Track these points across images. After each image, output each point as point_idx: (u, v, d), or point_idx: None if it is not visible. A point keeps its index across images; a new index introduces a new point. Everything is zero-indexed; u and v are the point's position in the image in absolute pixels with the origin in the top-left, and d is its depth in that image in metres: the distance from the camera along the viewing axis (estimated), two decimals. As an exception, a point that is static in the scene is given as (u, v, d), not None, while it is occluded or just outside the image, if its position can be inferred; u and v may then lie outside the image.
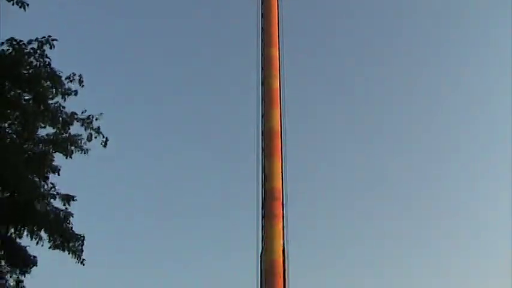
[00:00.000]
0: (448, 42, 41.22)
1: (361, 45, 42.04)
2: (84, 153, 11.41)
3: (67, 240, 10.77)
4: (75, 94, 11.33)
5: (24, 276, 10.91)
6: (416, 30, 43.01)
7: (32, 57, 10.72)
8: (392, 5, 42.70)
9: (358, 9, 41.75)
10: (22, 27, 12.32)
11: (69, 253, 10.82)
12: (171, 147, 39.59)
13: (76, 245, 10.84)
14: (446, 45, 41.22)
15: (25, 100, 10.91)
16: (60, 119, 11.11)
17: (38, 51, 10.77)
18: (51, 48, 10.92)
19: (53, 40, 10.81)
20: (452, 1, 41.03)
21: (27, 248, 10.95)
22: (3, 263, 10.83)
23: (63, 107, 11.25)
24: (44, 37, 10.77)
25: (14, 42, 10.53)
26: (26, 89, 10.81)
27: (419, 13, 41.26)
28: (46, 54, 10.85)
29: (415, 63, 42.51)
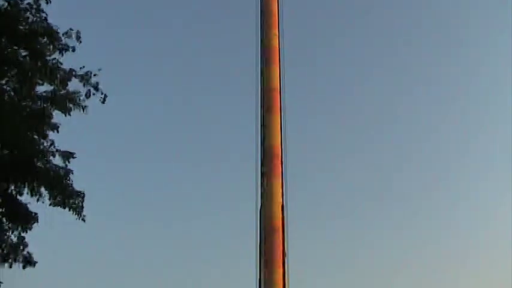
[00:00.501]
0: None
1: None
2: (83, 111, 11.35)
3: (67, 197, 10.80)
4: (73, 50, 11.22)
5: (26, 232, 10.97)
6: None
7: (28, 13, 10.58)
8: None
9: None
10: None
11: (69, 210, 10.88)
12: (170, 102, 39.53)
13: (76, 202, 10.88)
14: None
15: (22, 57, 10.80)
16: (58, 75, 11.01)
17: (34, 7, 10.62)
18: (47, 3, 10.76)
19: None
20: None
21: (28, 205, 10.98)
22: (4, 220, 10.88)
23: (61, 64, 11.15)
24: (40, -9, 10.59)
25: (10, -3, 10.37)
26: (23, 46, 10.69)
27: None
28: (42, 9, 10.70)
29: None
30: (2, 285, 10.58)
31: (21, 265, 10.64)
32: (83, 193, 10.98)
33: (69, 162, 11.08)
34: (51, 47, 10.87)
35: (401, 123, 41.43)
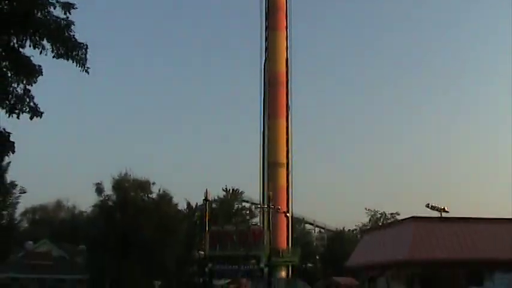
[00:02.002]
0: None
1: None
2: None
3: (70, 49, 10.76)
4: None
5: (31, 85, 11.06)
6: None
7: None
8: None
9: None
10: None
11: (73, 62, 10.88)
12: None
13: (79, 54, 10.86)
14: None
15: None
16: None
17: None
18: None
19: None
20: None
21: (31, 58, 10.97)
22: (9, 74, 10.93)
23: None
24: None
25: None
26: None
27: None
28: None
29: None
30: (11, 135, 10.89)
31: (28, 116, 10.84)
32: (86, 45, 10.92)
33: (70, 13, 10.88)
34: None
35: None
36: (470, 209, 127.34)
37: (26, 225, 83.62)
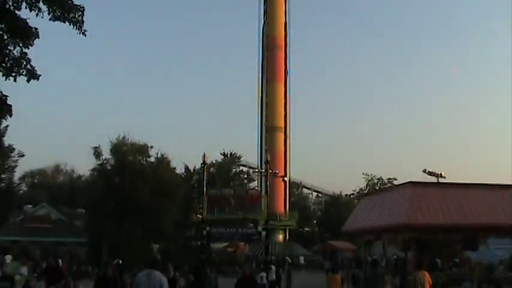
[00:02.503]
0: None
1: None
2: None
3: (67, 11, 10.61)
4: None
5: (28, 48, 10.95)
6: None
7: None
8: None
9: None
10: None
11: (70, 24, 10.75)
12: None
13: (76, 16, 10.72)
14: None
15: None
16: None
17: None
18: None
19: None
20: None
21: (28, 21, 10.84)
22: (5, 36, 10.82)
23: None
24: None
25: None
26: None
27: None
28: None
29: None
30: (8, 98, 10.82)
31: (25, 78, 10.75)
32: (83, 7, 10.79)
33: (66, -25, 10.70)
34: None
35: None
36: (468, 175, 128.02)
37: (25, 189, 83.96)
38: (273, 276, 27.75)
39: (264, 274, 28.13)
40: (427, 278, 15.48)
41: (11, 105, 10.81)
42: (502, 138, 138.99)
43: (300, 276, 46.48)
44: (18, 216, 55.08)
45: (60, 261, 42.48)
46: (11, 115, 10.91)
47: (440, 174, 50.10)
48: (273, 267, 29.29)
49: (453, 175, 78.62)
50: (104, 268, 13.89)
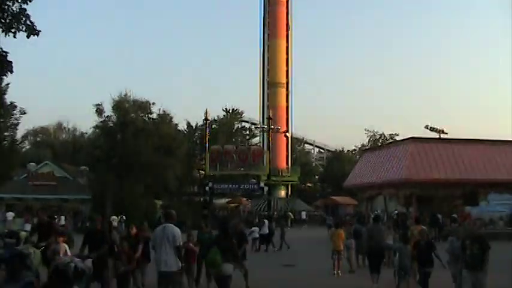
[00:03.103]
0: None
1: None
2: None
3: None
4: None
5: (27, 4, 10.82)
6: None
7: None
8: None
9: None
10: None
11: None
12: None
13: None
14: None
15: None
16: None
17: None
18: None
19: None
20: None
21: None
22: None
23: None
24: None
25: None
26: None
27: None
28: None
29: None
30: (8, 54, 10.75)
31: (25, 34, 10.66)
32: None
33: None
34: None
35: None
36: (469, 131, 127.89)
37: (28, 147, 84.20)
38: (266, 230, 27.94)
39: (256, 228, 28.39)
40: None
41: (11, 62, 10.74)
42: (503, 94, 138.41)
43: (300, 231, 46.97)
44: (22, 174, 55.40)
45: (63, 218, 42.88)
46: (11, 72, 10.85)
47: (442, 130, 50.21)
48: (266, 221, 29.58)
49: (455, 131, 78.51)
50: (91, 223, 13.82)
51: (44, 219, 15.91)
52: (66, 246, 11.45)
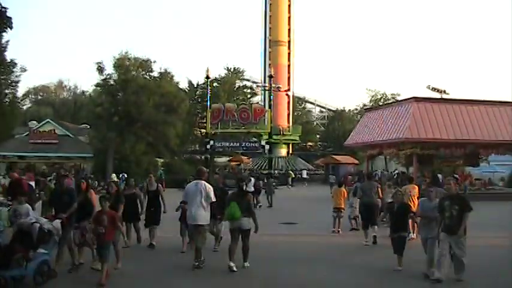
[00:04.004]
0: None
1: None
2: None
3: None
4: None
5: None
6: None
7: None
8: None
9: None
10: None
11: None
12: None
13: None
14: None
15: None
16: None
17: None
18: None
19: None
20: None
21: None
22: None
23: None
24: None
25: None
26: None
27: None
28: None
29: None
30: (7, 10, 10.60)
31: None
32: None
33: None
34: None
35: None
36: (471, 92, 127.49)
37: (29, 105, 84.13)
38: (251, 188, 27.89)
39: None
40: (416, 190, 16.50)
41: (11, 18, 10.61)
42: (504, 55, 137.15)
43: (301, 189, 47.27)
44: (24, 133, 55.45)
45: (68, 173, 43.20)
46: (11, 28, 10.74)
47: (444, 90, 49.87)
48: (252, 179, 29.71)
49: (456, 91, 78.25)
50: (58, 180, 12.71)
51: (15, 177, 15.58)
52: (29, 206, 10.79)
